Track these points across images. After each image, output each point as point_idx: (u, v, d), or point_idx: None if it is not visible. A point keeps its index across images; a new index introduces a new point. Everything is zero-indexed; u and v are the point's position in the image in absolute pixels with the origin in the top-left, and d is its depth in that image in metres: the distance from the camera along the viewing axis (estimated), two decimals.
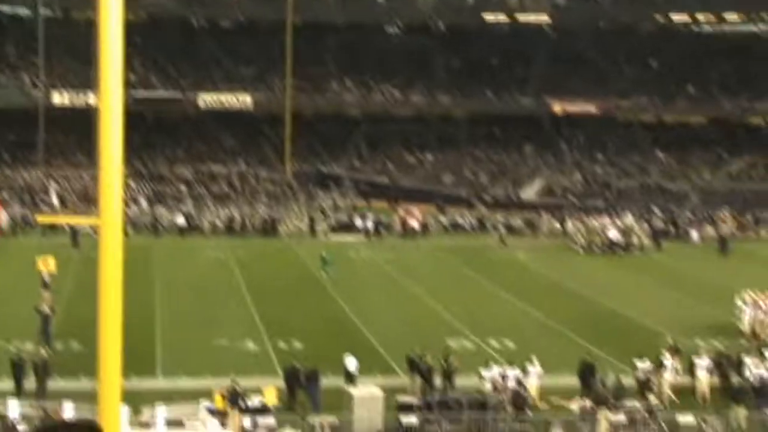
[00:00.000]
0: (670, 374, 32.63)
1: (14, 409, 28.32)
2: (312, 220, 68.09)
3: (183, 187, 78.05)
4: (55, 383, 31.31)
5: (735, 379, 32.77)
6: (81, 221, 58.47)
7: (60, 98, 79.17)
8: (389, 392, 29.86)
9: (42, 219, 52.21)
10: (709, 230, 68.63)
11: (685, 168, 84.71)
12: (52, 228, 59.67)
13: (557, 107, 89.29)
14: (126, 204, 62.48)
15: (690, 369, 32.96)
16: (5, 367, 31.71)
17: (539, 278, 52.93)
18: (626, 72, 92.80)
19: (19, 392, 30.52)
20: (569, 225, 67.76)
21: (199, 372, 33.39)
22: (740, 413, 30.03)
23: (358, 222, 68.32)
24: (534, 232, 68.66)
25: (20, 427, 26.80)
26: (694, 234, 67.63)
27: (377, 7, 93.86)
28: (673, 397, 32.14)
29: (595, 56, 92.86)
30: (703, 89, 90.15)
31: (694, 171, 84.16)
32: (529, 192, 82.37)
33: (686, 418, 29.62)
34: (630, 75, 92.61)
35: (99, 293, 15.73)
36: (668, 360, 32.86)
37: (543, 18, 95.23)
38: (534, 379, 31.78)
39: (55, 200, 71.52)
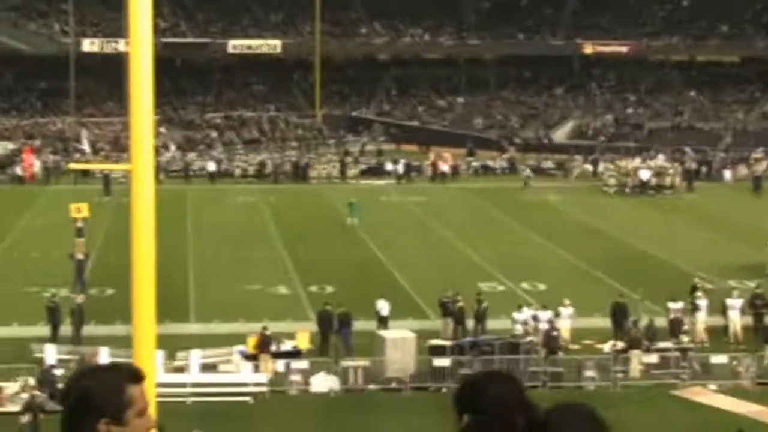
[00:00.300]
0: (704, 315, 32.52)
1: (51, 354, 28.66)
2: (342, 165, 68.09)
3: (213, 133, 78.20)
4: (90, 329, 31.61)
5: None
6: (113, 168, 58.73)
7: (90, 46, 79.19)
8: (421, 335, 29.96)
9: (74, 166, 52.39)
10: (743, 170, 68.13)
11: (717, 107, 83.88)
12: (85, 175, 59.99)
13: (588, 48, 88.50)
14: (157, 150, 62.67)
15: (723, 309, 32.84)
16: (42, 313, 32.03)
17: (571, 220, 52.78)
18: (658, 11, 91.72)
19: (55, 338, 30.85)
20: (600, 167, 67.47)
21: (232, 317, 33.62)
22: None
23: (389, 166, 68.27)
24: (565, 174, 68.42)
25: (57, 371, 27.11)
26: (727, 174, 67.18)
27: None
28: (706, 337, 32.07)
29: None
30: (736, 27, 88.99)
31: (727, 110, 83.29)
32: (560, 134, 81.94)
33: (719, 359, 29.58)
34: (661, 14, 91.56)
35: (132, 240, 15.79)
36: (702, 301, 32.74)
37: None
38: (566, 321, 31.80)
39: (86, 147, 71.85)
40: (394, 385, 28.37)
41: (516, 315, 31.60)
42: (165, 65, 69.79)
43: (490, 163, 71.81)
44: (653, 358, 29.58)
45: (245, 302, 35.50)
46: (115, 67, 63.35)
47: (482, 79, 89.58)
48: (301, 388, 28.19)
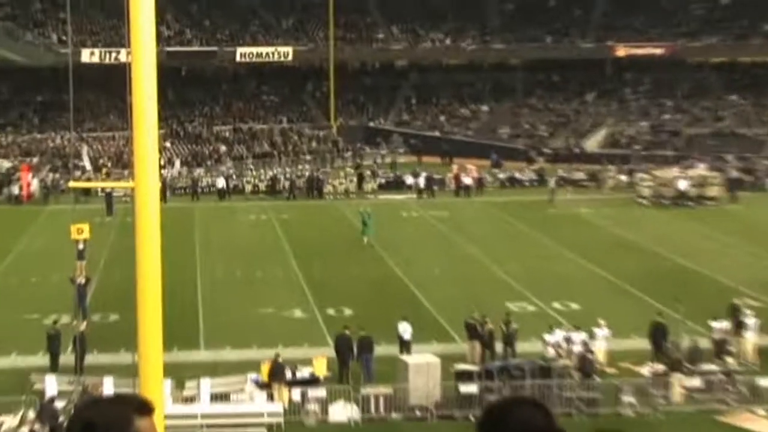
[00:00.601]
0: (753, 334, 32.39)
1: (52, 385, 28.71)
2: (360, 179, 68.18)
3: (222, 147, 78.44)
4: (93, 357, 31.68)
5: None
6: (115, 186, 58.91)
7: (90, 56, 79.64)
8: (446, 360, 29.92)
9: (74, 184, 52.67)
10: None
11: (761, 112, 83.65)
12: (86, 194, 60.22)
13: (620, 51, 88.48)
14: (162, 166, 62.89)
15: None
16: (41, 341, 32.10)
17: (605, 235, 52.69)
18: (695, 10, 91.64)
19: (55, 367, 30.90)
20: (636, 177, 67.36)
21: (244, 342, 33.64)
22: None
23: (409, 179, 68.34)
24: (598, 186, 68.34)
25: (59, 404, 27.17)
26: None
27: None
28: (757, 358, 31.91)
29: None
30: None
31: None
32: (592, 143, 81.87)
33: (767, 381, 29.43)
34: (699, 13, 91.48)
35: (136, 262, 15.87)
36: (750, 319, 32.61)
37: None
38: (601, 342, 31.70)
39: (87, 164, 72.14)
40: (418, 413, 28.33)
41: (547, 337, 31.53)
42: (169, 75, 70.38)
43: (517, 174, 71.76)
44: (696, 382, 29.45)
45: (258, 327, 35.53)
46: (116, 79, 63.51)
47: (508, 85, 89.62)
48: (319, 418, 28.17)
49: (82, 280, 37.07)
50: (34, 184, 65.23)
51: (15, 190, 64.41)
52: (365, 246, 49.15)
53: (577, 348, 30.83)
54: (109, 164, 71.68)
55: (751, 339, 32.31)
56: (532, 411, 3.42)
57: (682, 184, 62.11)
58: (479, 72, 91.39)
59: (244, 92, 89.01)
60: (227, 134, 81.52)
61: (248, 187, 68.01)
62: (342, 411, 28.12)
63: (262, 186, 68.12)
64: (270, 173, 70.60)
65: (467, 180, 66.90)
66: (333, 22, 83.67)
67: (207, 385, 28.43)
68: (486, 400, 27.34)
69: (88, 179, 64.73)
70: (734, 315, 33.18)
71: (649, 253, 47.86)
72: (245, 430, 27.29)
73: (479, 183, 67.59)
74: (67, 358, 31.47)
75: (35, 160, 71.82)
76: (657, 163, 70.42)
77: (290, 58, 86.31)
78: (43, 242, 49.90)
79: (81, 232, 38.39)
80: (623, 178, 68.84)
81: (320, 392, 28.64)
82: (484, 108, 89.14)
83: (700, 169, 65.95)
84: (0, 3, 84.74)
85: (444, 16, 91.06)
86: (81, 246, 39.21)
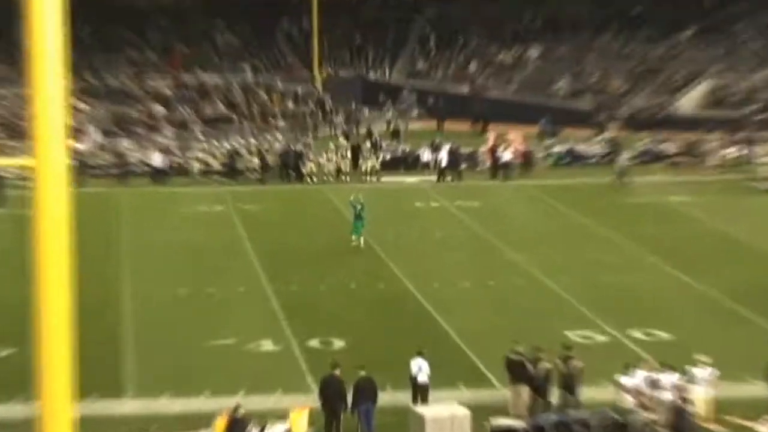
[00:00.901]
0: None
1: None
2: (355, 154, 68.18)
3: (159, 109, 78.46)
4: None
5: None
6: (6, 164, 58.99)
7: None
8: (479, 411, 29.96)
9: None
10: None
11: None
12: None
13: None
14: (73, 136, 62.93)
15: None
16: None
17: (705, 233, 52.71)
18: None
19: None
20: (751, 151, 67.37)
21: (191, 388, 33.66)
22: None
23: (426, 155, 68.36)
24: (697, 163, 68.34)
25: None
26: None
27: None
28: None
29: None
30: None
31: None
32: (689, 102, 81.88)
33: None
34: None
35: (37, 271, 15.84)
36: None
37: None
38: (702, 388, 31.69)
39: None
40: None
41: (624, 379, 31.52)
42: (84, 7, 70.32)
43: (580, 147, 71.76)
44: None
45: (211, 365, 35.54)
46: (4, 12, 63.63)
47: (568, 20, 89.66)
48: None
49: None
50: None
51: None
52: (362, 249, 49.16)
53: (668, 395, 30.83)
54: None
55: None
56: None
57: None
58: (526, 1, 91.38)
59: (191, 31, 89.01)
60: (166, 90, 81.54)
61: (197, 166, 68.02)
62: None
63: (216, 164, 68.13)
64: (228, 146, 70.64)
65: (507, 155, 66.93)
66: None
67: None
68: None
69: None
70: None
71: None
72: None
73: (525, 159, 67.60)
74: None
75: None
76: None
77: None
78: None
79: None
80: (732, 152, 68.83)
81: None
82: (533, 53, 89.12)
83: None
84: None
85: None
86: None
